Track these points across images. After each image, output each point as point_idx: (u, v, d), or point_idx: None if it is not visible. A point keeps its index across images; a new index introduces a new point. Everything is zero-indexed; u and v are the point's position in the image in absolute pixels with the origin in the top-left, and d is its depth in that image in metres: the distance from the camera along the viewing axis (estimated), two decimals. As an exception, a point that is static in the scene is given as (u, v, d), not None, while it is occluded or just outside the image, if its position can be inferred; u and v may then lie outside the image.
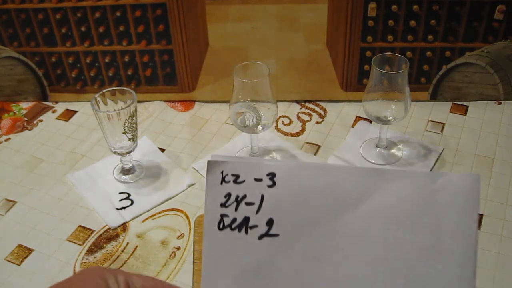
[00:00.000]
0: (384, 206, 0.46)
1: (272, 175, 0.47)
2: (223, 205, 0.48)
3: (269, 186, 0.46)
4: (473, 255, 0.45)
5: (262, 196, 0.46)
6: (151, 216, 0.86)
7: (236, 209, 0.47)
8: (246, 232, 0.47)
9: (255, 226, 0.46)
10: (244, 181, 0.47)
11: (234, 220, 0.47)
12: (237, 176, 0.47)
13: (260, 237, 0.46)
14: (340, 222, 0.46)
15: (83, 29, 1.04)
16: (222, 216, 0.48)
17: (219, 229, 0.48)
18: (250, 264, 0.47)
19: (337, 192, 0.46)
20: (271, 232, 0.46)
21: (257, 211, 0.46)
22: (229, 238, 0.47)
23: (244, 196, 0.47)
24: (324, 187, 0.46)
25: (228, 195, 0.48)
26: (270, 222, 0.46)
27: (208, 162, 0.48)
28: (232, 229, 0.47)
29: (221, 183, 0.48)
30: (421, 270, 0.45)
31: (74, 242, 0.83)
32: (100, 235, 0.84)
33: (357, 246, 0.46)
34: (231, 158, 0.48)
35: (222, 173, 0.48)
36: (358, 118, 1.03)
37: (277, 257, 0.46)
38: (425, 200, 0.46)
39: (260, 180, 0.47)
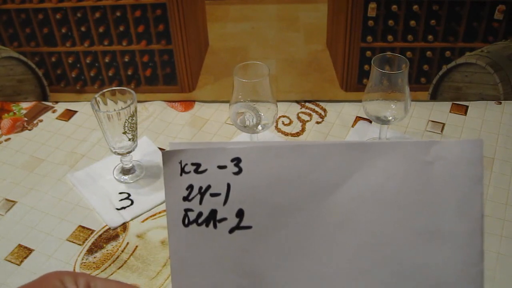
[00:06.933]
0: (370, 186, 0.40)
1: (237, 161, 0.41)
2: (185, 198, 0.42)
3: (235, 173, 0.41)
4: (480, 235, 0.39)
5: (228, 185, 0.41)
6: (151, 216, 0.86)
7: (200, 202, 0.42)
8: (215, 226, 0.41)
9: (224, 219, 0.41)
10: (206, 170, 0.41)
11: (200, 214, 0.42)
12: (198, 165, 0.42)
13: (231, 231, 0.41)
14: (321, 207, 0.40)
15: (83, 29, 1.04)
16: (186, 211, 0.42)
17: (184, 225, 0.43)
18: (223, 261, 0.41)
19: (313, 174, 0.40)
20: (243, 224, 0.41)
21: (225, 202, 0.41)
22: (197, 234, 0.42)
23: (208, 187, 0.41)
24: (298, 169, 0.40)
25: (190, 187, 0.42)
26: (240, 214, 0.41)
27: (163, 153, 0.43)
28: (199, 225, 0.42)
29: (181, 174, 0.42)
30: (419, 256, 0.39)
31: (74, 242, 0.83)
32: (100, 235, 0.84)
33: (342, 233, 0.40)
34: (189, 145, 0.42)
35: (181, 163, 0.42)
36: (358, 118, 1.03)
37: (252, 251, 0.41)
38: (418, 175, 0.39)
39: (224, 167, 0.41)
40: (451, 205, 0.39)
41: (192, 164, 0.42)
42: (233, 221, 0.41)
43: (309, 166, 0.40)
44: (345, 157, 0.40)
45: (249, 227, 0.41)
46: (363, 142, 0.40)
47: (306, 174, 0.40)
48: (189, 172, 0.42)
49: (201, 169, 0.42)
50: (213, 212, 0.41)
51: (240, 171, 0.41)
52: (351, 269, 0.40)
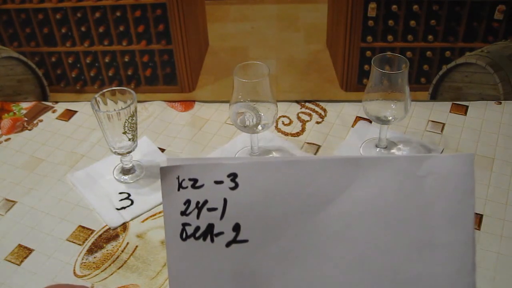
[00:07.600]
0: (363, 199, 0.41)
1: (233, 176, 0.42)
2: (183, 213, 0.44)
3: (231, 188, 0.42)
4: (472, 246, 0.40)
5: (225, 200, 0.42)
6: (151, 216, 0.86)
7: (198, 217, 0.43)
8: (212, 240, 0.42)
9: (221, 233, 0.42)
10: (203, 185, 0.43)
11: (197, 228, 0.43)
12: (195, 180, 0.43)
13: (228, 245, 0.42)
14: (315, 220, 0.41)
15: (83, 29, 1.04)
16: (184, 225, 0.44)
17: (182, 239, 0.44)
18: (220, 274, 0.43)
19: (308, 188, 0.41)
20: (239, 238, 0.42)
21: (221, 217, 0.42)
22: (194, 248, 0.43)
23: (205, 202, 0.43)
24: (292, 184, 0.41)
25: (188, 202, 0.43)
26: (236, 228, 0.42)
27: (161, 168, 0.44)
28: (196, 238, 0.43)
29: (178, 189, 0.44)
30: (412, 269, 0.40)
31: (74, 242, 0.83)
32: (100, 235, 0.84)
33: (336, 245, 0.41)
34: (186, 161, 0.44)
35: (178, 178, 0.44)
36: (358, 118, 1.03)
37: (249, 264, 0.42)
38: (410, 189, 0.40)
39: (221, 182, 0.42)
40: (443, 217, 0.40)
41: (190, 179, 0.43)
42: (230, 235, 0.42)
43: (304, 180, 0.41)
44: (339, 172, 0.41)
45: (245, 241, 0.42)
46: (357, 157, 0.42)
47: (301, 189, 0.41)
48: (186, 187, 0.43)
49: (198, 184, 0.43)
50: (210, 227, 0.43)
51: (236, 186, 0.42)
52: (346, 281, 0.41)
